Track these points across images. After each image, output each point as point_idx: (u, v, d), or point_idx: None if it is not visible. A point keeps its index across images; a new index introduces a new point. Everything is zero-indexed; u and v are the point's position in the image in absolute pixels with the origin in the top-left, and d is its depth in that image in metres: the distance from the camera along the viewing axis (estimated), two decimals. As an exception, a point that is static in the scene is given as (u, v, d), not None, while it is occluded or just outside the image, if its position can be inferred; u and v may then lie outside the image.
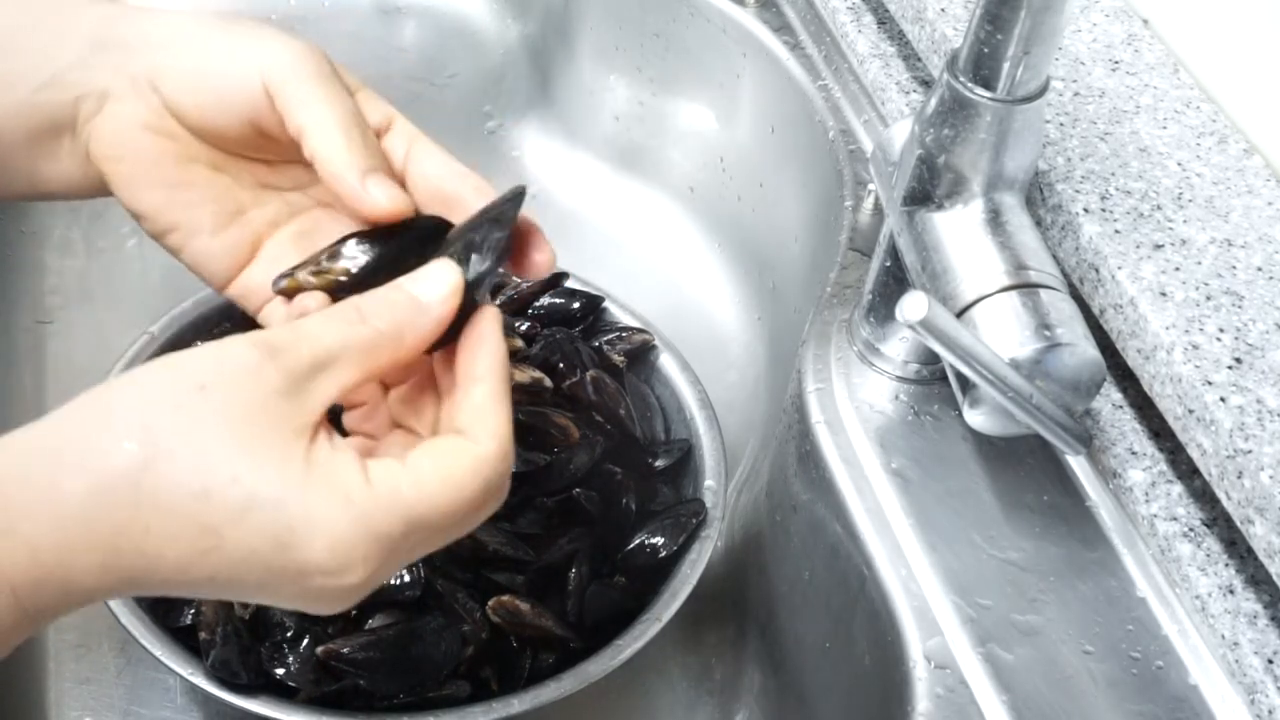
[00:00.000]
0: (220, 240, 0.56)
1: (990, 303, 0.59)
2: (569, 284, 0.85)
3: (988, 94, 0.59)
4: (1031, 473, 0.66)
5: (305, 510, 0.44)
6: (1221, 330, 0.60)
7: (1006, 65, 0.58)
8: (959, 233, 0.62)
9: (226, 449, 0.44)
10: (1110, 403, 0.65)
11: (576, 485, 0.75)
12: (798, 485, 0.71)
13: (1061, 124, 0.70)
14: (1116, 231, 0.64)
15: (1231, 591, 0.58)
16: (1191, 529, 0.60)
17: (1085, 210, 0.65)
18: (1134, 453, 0.63)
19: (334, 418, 0.49)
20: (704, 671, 0.80)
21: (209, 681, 0.65)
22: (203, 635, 0.66)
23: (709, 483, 0.77)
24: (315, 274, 0.52)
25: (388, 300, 0.48)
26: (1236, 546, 0.59)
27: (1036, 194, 0.68)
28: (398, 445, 0.51)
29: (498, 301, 0.83)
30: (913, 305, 0.54)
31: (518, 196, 0.52)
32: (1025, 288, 0.59)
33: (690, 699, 0.80)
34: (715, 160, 0.98)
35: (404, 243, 0.52)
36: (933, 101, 0.61)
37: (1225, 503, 0.57)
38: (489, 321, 0.49)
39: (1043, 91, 0.60)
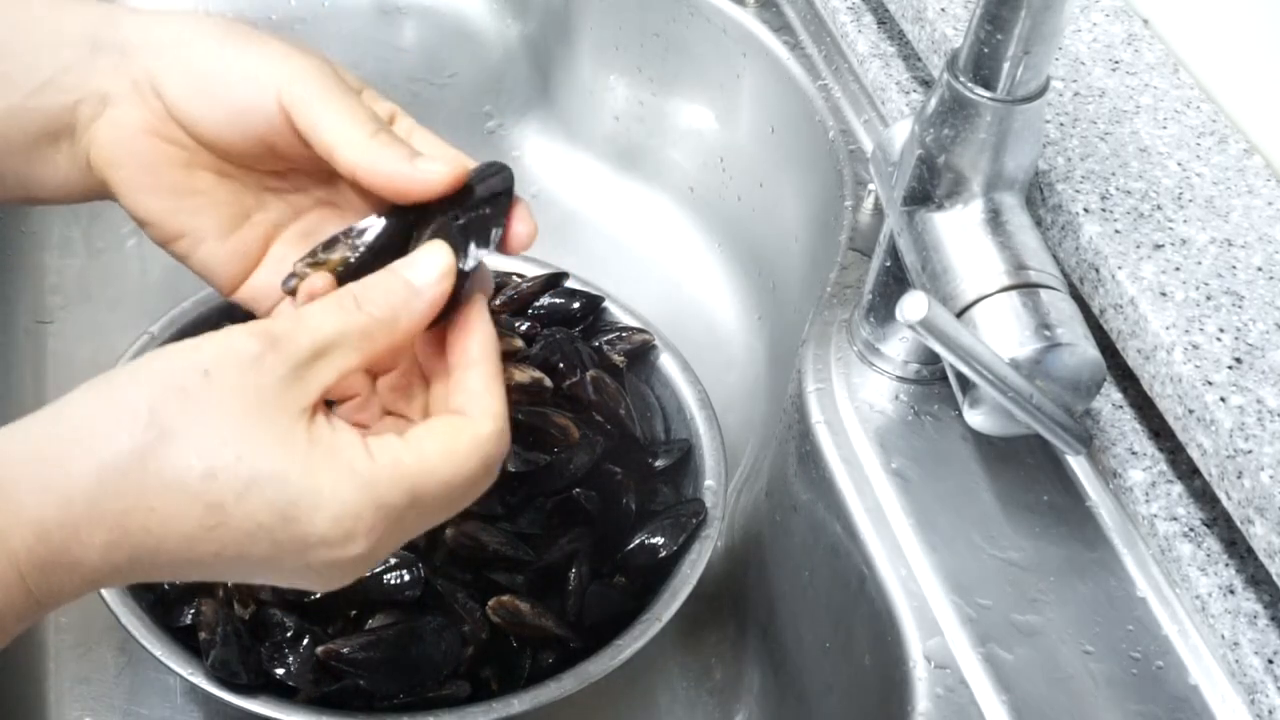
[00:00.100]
0: (228, 245, 0.56)
1: (990, 303, 0.59)
2: (569, 284, 0.85)
3: (988, 94, 0.59)
4: (1031, 473, 0.66)
5: (309, 483, 0.45)
6: (1221, 330, 0.60)
7: (1006, 65, 0.58)
8: (959, 233, 0.62)
9: (230, 431, 0.44)
10: (1110, 403, 0.65)
11: (576, 485, 0.75)
12: (798, 485, 0.71)
13: (1061, 124, 0.70)
14: (1116, 231, 0.64)
15: (1231, 591, 0.58)
16: (1191, 529, 0.60)
17: (1085, 210, 0.65)
18: (1134, 453, 0.63)
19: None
20: (704, 671, 0.80)
21: (209, 681, 0.65)
22: (203, 635, 0.66)
23: (709, 483, 0.77)
24: (315, 265, 0.52)
25: (383, 286, 0.49)
26: (1236, 546, 0.59)
27: (1036, 194, 0.68)
28: (392, 430, 0.51)
29: (498, 301, 0.83)
30: (913, 305, 0.54)
31: (505, 174, 0.53)
32: (1025, 288, 0.59)
33: (690, 699, 0.80)
34: (715, 160, 0.98)
35: (400, 225, 0.52)
36: (933, 101, 0.61)
37: (1225, 503, 0.57)
38: (477, 307, 0.51)
39: (1043, 91, 0.60)
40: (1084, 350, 0.58)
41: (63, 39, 0.55)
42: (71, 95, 0.54)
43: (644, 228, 1.02)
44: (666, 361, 0.83)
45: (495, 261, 0.54)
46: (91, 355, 0.89)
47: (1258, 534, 0.55)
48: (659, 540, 0.73)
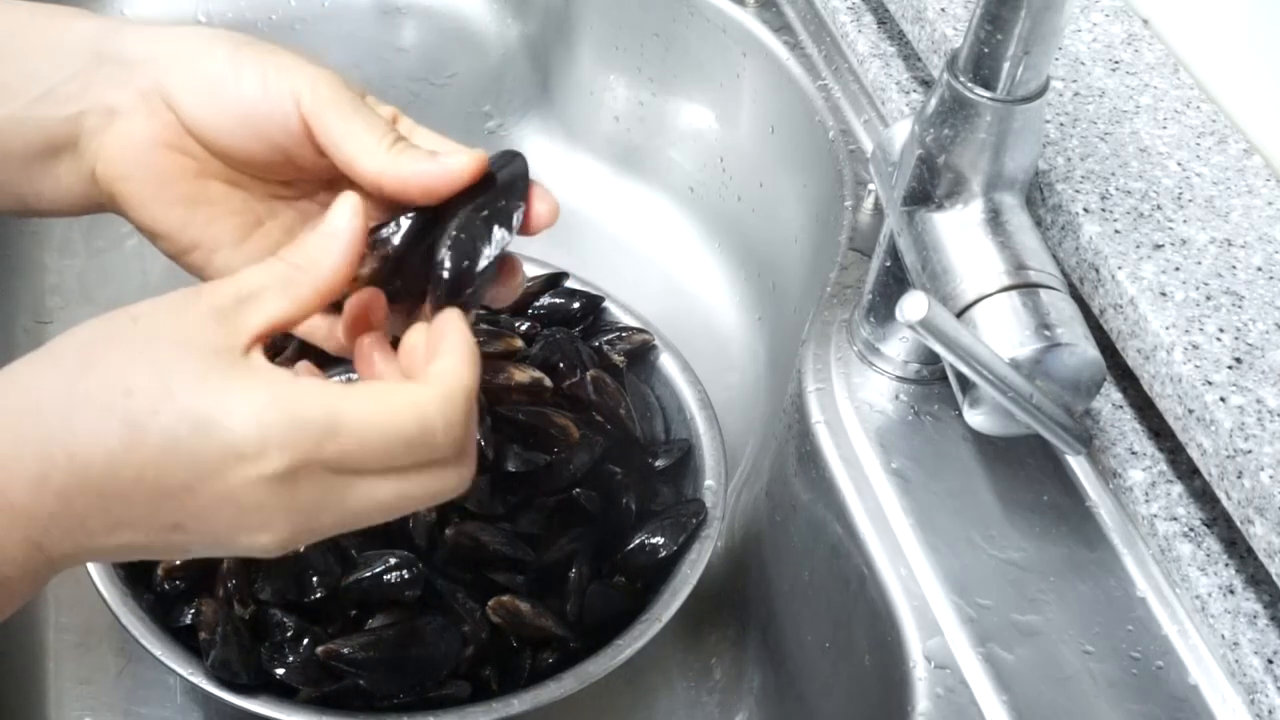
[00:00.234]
0: (243, 253, 0.55)
1: (990, 303, 0.59)
2: (569, 284, 0.85)
3: (988, 94, 0.59)
4: (1031, 473, 0.66)
5: (225, 391, 0.45)
6: (1221, 330, 0.60)
7: (1006, 65, 0.58)
8: (959, 233, 0.62)
9: (151, 358, 0.46)
10: (1110, 403, 0.65)
11: (576, 485, 0.75)
12: (798, 485, 0.71)
13: (1061, 124, 0.70)
14: (1116, 231, 0.64)
15: (1231, 591, 0.58)
16: (1191, 529, 0.60)
17: (1085, 210, 0.65)
18: (1134, 453, 0.63)
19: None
20: (704, 671, 0.80)
21: (209, 681, 0.66)
22: (203, 635, 0.66)
23: (709, 483, 0.77)
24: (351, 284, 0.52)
25: (300, 240, 0.50)
26: (1236, 546, 0.59)
27: (1036, 194, 0.68)
28: None
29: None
30: (913, 305, 0.54)
31: (519, 161, 0.53)
32: (1025, 288, 0.59)
33: (690, 699, 0.80)
34: (715, 160, 0.98)
35: (421, 225, 0.52)
36: (933, 101, 0.61)
37: (1225, 503, 0.57)
38: (452, 318, 0.50)
39: (1043, 91, 0.60)
40: (1084, 350, 0.58)
41: (64, 49, 0.55)
42: (73, 106, 0.54)
43: (644, 228, 1.02)
44: (666, 361, 0.83)
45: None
46: (91, 355, 0.89)
47: (1258, 534, 0.55)
48: (659, 540, 0.73)
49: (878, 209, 0.79)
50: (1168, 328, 0.60)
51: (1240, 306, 0.61)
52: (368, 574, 0.69)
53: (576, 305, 0.84)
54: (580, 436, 0.76)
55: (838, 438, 0.67)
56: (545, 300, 0.84)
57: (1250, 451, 0.55)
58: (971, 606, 0.61)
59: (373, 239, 0.52)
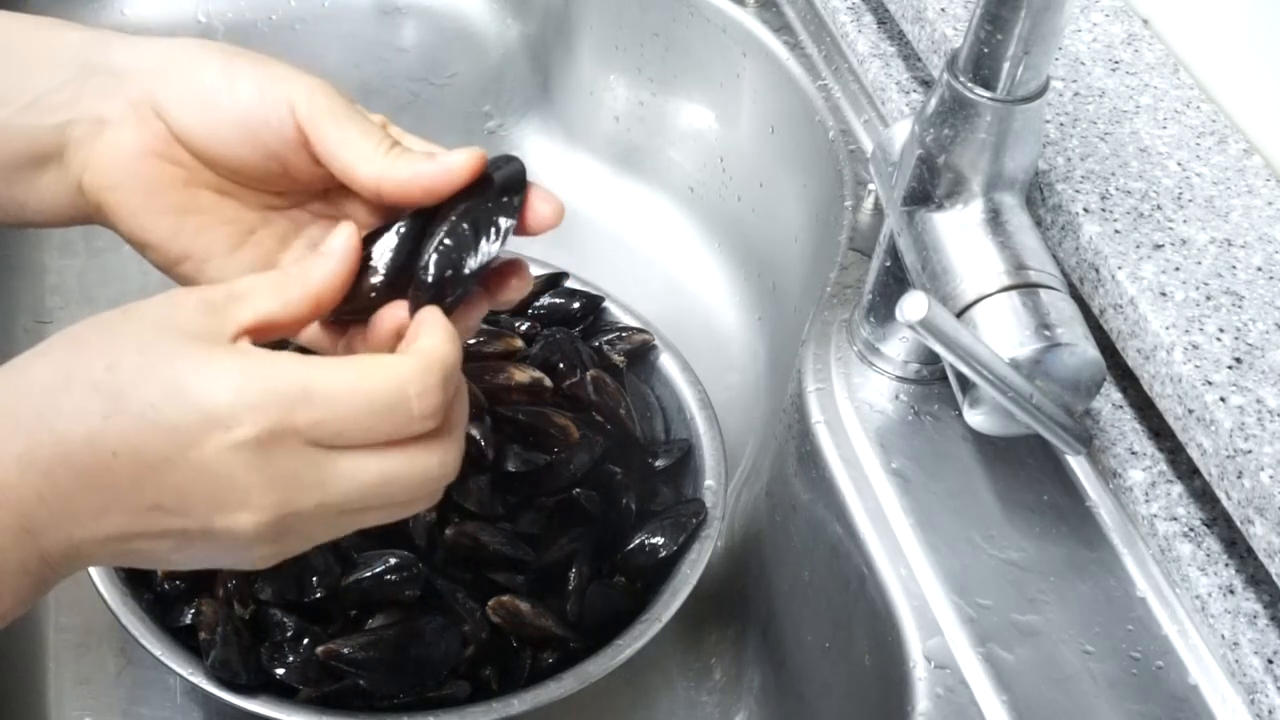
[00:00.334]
0: (236, 262, 0.55)
1: (990, 303, 0.59)
2: (569, 284, 0.85)
3: (988, 94, 0.59)
4: (1031, 473, 0.66)
5: (202, 362, 0.46)
6: (1221, 330, 0.60)
7: (1006, 65, 0.58)
8: (959, 233, 0.62)
9: (138, 337, 0.47)
10: (1110, 403, 0.65)
11: (576, 485, 0.75)
12: (798, 485, 0.71)
13: (1061, 124, 0.70)
14: (1116, 231, 0.64)
15: (1231, 591, 0.58)
16: (1191, 529, 0.60)
17: (1085, 210, 0.65)
18: (1134, 453, 0.63)
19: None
20: (704, 671, 0.80)
21: (209, 681, 0.66)
22: (203, 635, 0.66)
23: (709, 483, 0.77)
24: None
25: (300, 260, 0.52)
26: (1236, 546, 0.59)
27: (1036, 194, 0.68)
28: None
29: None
30: (913, 305, 0.54)
31: (515, 164, 0.53)
32: (1025, 288, 0.59)
33: (690, 699, 0.80)
34: (715, 160, 0.98)
35: (412, 231, 0.52)
36: (933, 101, 0.61)
37: (1225, 503, 0.57)
38: (430, 312, 0.50)
39: (1043, 91, 0.60)
40: (1084, 350, 0.58)
41: (53, 59, 0.54)
42: (61, 115, 0.54)
43: (644, 228, 1.02)
44: (666, 361, 0.83)
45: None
46: (91, 355, 0.89)
47: (1258, 534, 0.55)
48: (659, 540, 0.73)
49: (878, 209, 0.79)
50: (1168, 328, 0.60)
51: (1240, 306, 0.61)
52: (368, 574, 0.69)
53: (576, 305, 0.84)
54: (580, 436, 0.76)
55: (838, 438, 0.67)
56: (545, 300, 0.84)
57: (1250, 451, 0.55)
58: (971, 606, 0.61)
59: (366, 255, 0.52)
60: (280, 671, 0.66)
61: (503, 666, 0.69)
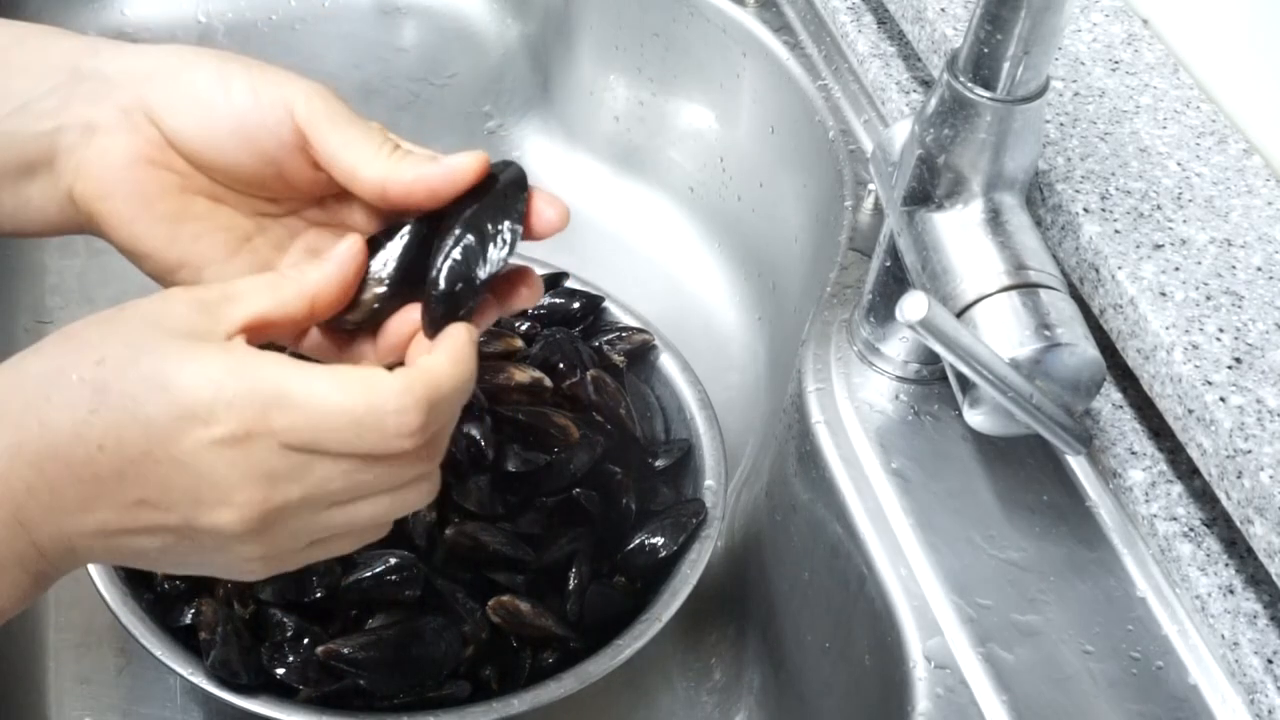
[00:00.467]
0: (233, 269, 0.54)
1: (990, 303, 0.59)
2: (569, 284, 0.85)
3: (988, 94, 0.59)
4: (1031, 473, 0.66)
5: (186, 357, 0.46)
6: (1221, 330, 0.60)
7: (1006, 65, 0.58)
8: (959, 233, 0.62)
9: (128, 332, 0.47)
10: (1110, 403, 0.65)
11: (576, 485, 0.75)
12: (798, 485, 0.71)
13: (1061, 124, 0.70)
14: (1116, 231, 0.65)
15: (1231, 591, 0.58)
16: (1191, 529, 0.60)
17: (1085, 210, 0.65)
18: (1134, 453, 0.63)
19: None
20: (704, 671, 0.80)
21: (209, 681, 0.66)
22: (203, 635, 0.66)
23: (709, 483, 0.77)
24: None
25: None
26: (1236, 546, 0.59)
27: (1036, 194, 0.68)
28: None
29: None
30: (913, 305, 0.54)
31: (514, 169, 0.53)
32: (1025, 288, 0.59)
33: (690, 699, 0.80)
34: (715, 160, 0.98)
35: (415, 239, 0.52)
36: (933, 101, 0.61)
37: (1225, 503, 0.57)
38: (459, 331, 0.50)
39: (1043, 91, 0.60)
40: (1084, 350, 0.58)
41: (42, 66, 0.54)
42: (49, 122, 0.53)
43: (644, 228, 1.02)
44: (666, 361, 0.83)
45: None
46: (91, 355, 0.89)
47: (1257, 534, 0.55)
48: (659, 540, 0.73)
49: (878, 209, 0.79)
50: (1168, 328, 0.60)
51: (1240, 306, 0.61)
52: (368, 574, 0.69)
53: (576, 305, 0.84)
54: (580, 436, 0.76)
55: (838, 438, 0.67)
56: (545, 300, 0.84)
57: (1250, 451, 0.55)
58: (971, 606, 0.61)
59: (369, 264, 0.52)
60: (280, 671, 0.66)
61: (503, 666, 0.69)
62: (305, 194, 0.56)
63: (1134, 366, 0.62)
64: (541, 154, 1.05)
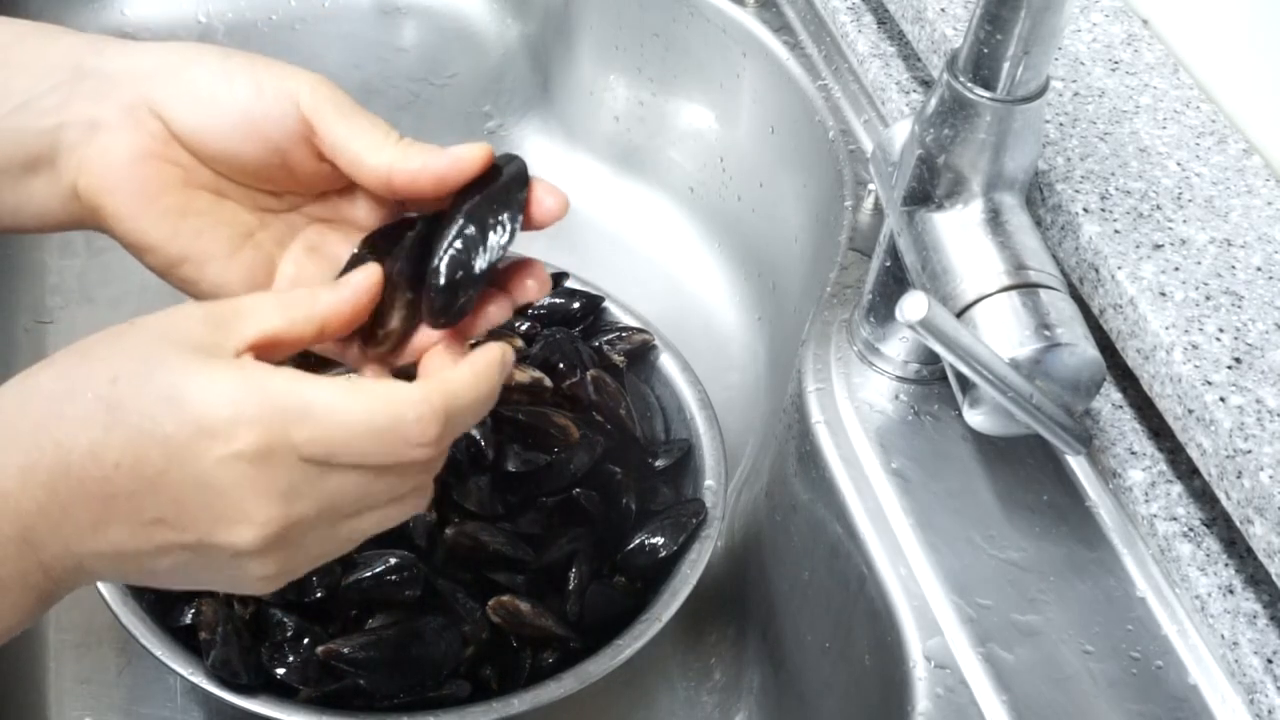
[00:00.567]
0: (236, 264, 0.55)
1: (990, 303, 0.59)
2: (569, 284, 0.85)
3: (988, 94, 0.59)
4: (1031, 473, 0.66)
5: (202, 374, 0.46)
6: (1221, 330, 0.60)
7: (1006, 65, 0.58)
8: (959, 233, 0.62)
9: (142, 349, 0.47)
10: (1110, 403, 0.65)
11: (576, 485, 0.75)
12: (798, 485, 0.71)
13: (1061, 124, 0.70)
14: (1116, 231, 0.65)
15: (1231, 591, 0.58)
16: (1191, 529, 0.60)
17: (1085, 210, 0.65)
18: (1134, 453, 0.63)
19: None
20: (704, 671, 0.80)
21: (209, 681, 0.66)
22: (203, 635, 0.66)
23: (709, 483, 0.77)
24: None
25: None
26: (1236, 546, 0.59)
27: (1036, 194, 0.68)
28: None
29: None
30: (913, 305, 0.54)
31: (517, 162, 0.53)
32: (1025, 288, 0.59)
33: (690, 699, 0.80)
34: (715, 160, 0.98)
35: (419, 236, 0.52)
36: (933, 101, 0.61)
37: (1225, 503, 0.57)
38: (491, 350, 0.50)
39: (1043, 91, 0.60)
40: (1084, 350, 0.58)
41: (44, 64, 0.54)
42: (52, 119, 0.53)
43: (644, 228, 1.02)
44: (666, 361, 0.83)
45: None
46: (92, 355, 0.89)
47: (1257, 534, 0.55)
48: (659, 540, 0.73)
49: (878, 209, 0.79)
50: (1167, 328, 0.60)
51: (1240, 306, 0.61)
52: (368, 574, 0.69)
53: (576, 305, 0.84)
54: (580, 436, 0.76)
55: (838, 438, 0.67)
56: (545, 300, 0.84)
57: (1250, 451, 0.55)
58: (971, 606, 0.61)
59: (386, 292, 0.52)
60: (280, 671, 0.66)
61: (503, 666, 0.69)
62: (308, 187, 0.56)
63: (1134, 366, 0.62)
64: (541, 154, 1.05)
